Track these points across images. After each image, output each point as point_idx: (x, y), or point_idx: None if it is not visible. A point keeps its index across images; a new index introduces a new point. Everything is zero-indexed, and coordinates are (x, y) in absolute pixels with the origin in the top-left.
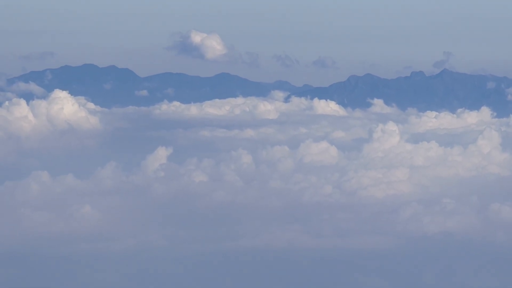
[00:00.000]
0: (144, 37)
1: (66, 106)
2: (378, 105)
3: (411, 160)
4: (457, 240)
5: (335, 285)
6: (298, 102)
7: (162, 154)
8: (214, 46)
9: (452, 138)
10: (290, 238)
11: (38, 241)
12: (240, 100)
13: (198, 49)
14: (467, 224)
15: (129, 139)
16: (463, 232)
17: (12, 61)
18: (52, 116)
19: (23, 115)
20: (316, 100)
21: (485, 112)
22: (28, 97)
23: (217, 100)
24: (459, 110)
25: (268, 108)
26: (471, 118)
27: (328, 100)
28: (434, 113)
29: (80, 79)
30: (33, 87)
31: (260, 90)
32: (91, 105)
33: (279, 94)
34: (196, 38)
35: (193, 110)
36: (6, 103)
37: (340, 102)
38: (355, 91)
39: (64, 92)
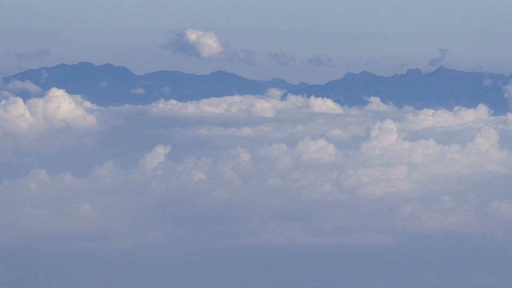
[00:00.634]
0: (140, 35)
1: (63, 105)
2: (375, 103)
3: (409, 158)
4: (456, 237)
5: (334, 283)
6: (295, 100)
7: (160, 152)
8: (209, 44)
9: (450, 136)
10: (289, 236)
11: (37, 239)
12: (236, 98)
13: (193, 47)
14: (466, 221)
15: (126, 138)
16: (462, 229)
17: (7, 59)
18: (49, 115)
19: (20, 113)
20: (312, 98)
21: (482, 110)
22: (25, 95)
23: (213, 98)
24: (456, 108)
25: (265, 106)
26: (468, 115)
27: (324, 98)
28: (431, 111)
29: (76, 77)
30: (29, 85)
31: (256, 88)
32: (87, 104)
33: (276, 92)
34: (192, 36)
35: (190, 108)
36: (3, 101)
37: (337, 100)
38: (352, 88)
39: (60, 90)
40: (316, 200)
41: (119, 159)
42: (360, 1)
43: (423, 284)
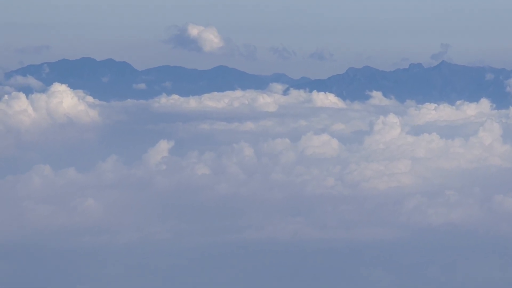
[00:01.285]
0: (141, 30)
1: (65, 100)
2: (377, 97)
3: (412, 152)
4: (462, 231)
5: (339, 277)
6: (297, 95)
7: (163, 147)
8: (211, 39)
9: (452, 130)
10: (294, 230)
11: (42, 234)
12: (238, 93)
13: (195, 42)
14: (470, 215)
15: (129, 133)
16: (467, 223)
17: (8, 55)
18: (52, 110)
19: (22, 108)
20: (315, 92)
21: (485, 104)
22: (26, 90)
23: (215, 93)
24: (458, 102)
25: (267, 100)
26: (471, 110)
27: (326, 92)
28: (433, 105)
29: (77, 72)
30: (31, 80)
31: (258, 82)
32: (90, 99)
33: (278, 87)
34: (193, 31)
35: (192, 103)
36: (6, 96)
37: (339, 95)
38: (354, 83)
39: (63, 85)
40: (320, 194)
41: (123, 154)
42: None
43: (428, 277)
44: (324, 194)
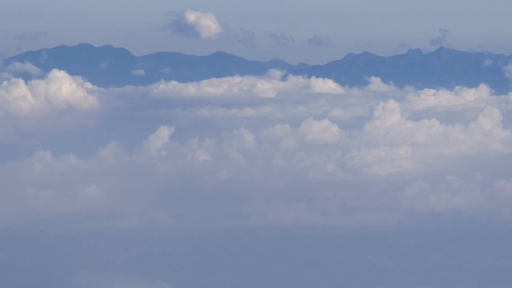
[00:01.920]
0: (139, 16)
1: (64, 86)
2: (376, 83)
3: (412, 137)
4: (464, 217)
5: (341, 262)
6: (296, 81)
7: (163, 133)
8: (209, 25)
9: (452, 115)
10: (296, 216)
11: (43, 220)
12: (237, 79)
13: (193, 28)
14: (472, 201)
15: (128, 119)
16: (469, 209)
17: (6, 41)
18: (51, 96)
19: (21, 95)
20: (313, 78)
21: (483, 90)
22: (25, 77)
23: (214, 79)
24: (457, 88)
25: (266, 86)
26: (470, 95)
27: (325, 78)
28: (432, 91)
29: (76, 58)
30: (29, 67)
31: (257, 68)
32: (88, 85)
33: (276, 73)
34: (191, 17)
35: (191, 89)
36: (4, 83)
37: (337, 81)
38: (352, 69)
39: (62, 71)
40: (321, 180)
41: (123, 140)
42: None
43: (431, 263)
44: (325, 180)
